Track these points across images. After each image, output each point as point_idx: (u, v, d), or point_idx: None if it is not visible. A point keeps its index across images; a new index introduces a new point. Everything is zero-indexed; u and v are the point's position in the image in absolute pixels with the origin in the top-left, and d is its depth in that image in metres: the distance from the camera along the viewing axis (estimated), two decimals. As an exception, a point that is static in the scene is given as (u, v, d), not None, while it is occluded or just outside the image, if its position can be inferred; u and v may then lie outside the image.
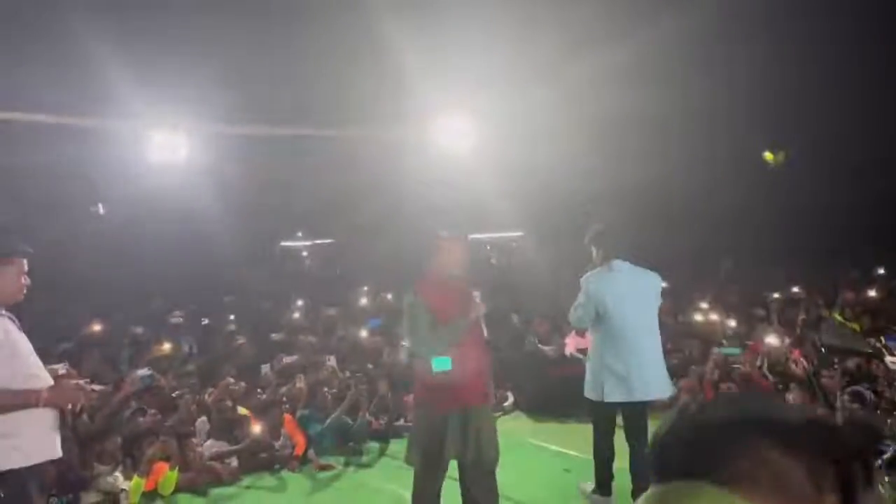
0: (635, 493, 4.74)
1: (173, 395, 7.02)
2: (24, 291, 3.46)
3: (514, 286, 14.70)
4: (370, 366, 8.32)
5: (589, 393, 4.99)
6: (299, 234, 25.60)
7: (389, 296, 13.73)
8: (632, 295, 4.90)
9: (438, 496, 4.21)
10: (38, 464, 3.31)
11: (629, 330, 4.86)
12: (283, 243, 23.68)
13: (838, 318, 7.26)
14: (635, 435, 4.92)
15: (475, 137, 10.10)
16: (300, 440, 6.71)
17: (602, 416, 5.02)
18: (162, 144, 8.24)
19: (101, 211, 25.65)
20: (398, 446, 7.03)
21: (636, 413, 4.94)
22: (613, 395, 4.84)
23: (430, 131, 10.16)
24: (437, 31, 12.03)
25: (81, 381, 3.64)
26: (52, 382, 3.41)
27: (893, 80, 13.90)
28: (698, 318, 10.01)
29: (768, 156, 22.75)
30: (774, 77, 13.80)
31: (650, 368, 4.88)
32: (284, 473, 6.43)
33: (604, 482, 5.06)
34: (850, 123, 15.55)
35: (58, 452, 3.43)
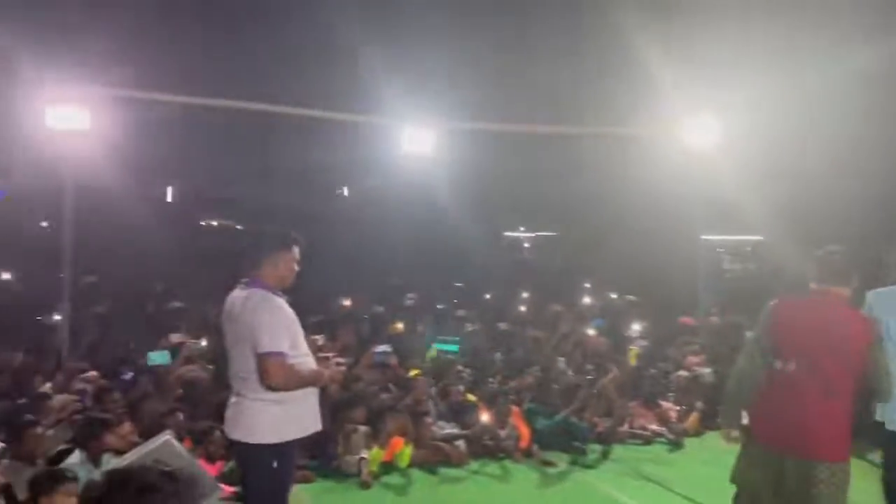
0: None
1: (408, 377, 7.41)
2: (293, 278, 3.78)
3: (750, 295, 13.64)
4: (594, 366, 8.19)
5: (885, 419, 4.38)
6: (521, 227, 26.07)
7: (614, 294, 13.45)
8: None
9: None
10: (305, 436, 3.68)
11: None
12: (507, 233, 24.36)
13: None
14: None
15: (719, 135, 9.57)
16: (525, 433, 6.81)
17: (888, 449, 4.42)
18: (412, 138, 8.83)
19: (346, 193, 28.05)
20: (622, 451, 6.92)
21: None
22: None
23: (673, 129, 9.79)
24: (683, 30, 11.51)
25: (335, 358, 4.05)
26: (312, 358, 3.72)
27: None
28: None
29: None
30: None
31: None
32: (508, 463, 6.56)
33: None
34: None
35: (320, 425, 3.79)
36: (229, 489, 5.06)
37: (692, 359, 8.54)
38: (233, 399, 3.64)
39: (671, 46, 10.51)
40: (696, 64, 10.90)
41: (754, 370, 3.63)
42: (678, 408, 7.68)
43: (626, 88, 11.20)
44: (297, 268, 3.79)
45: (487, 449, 6.66)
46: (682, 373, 8.14)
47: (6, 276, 13.68)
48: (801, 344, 3.49)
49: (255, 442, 3.48)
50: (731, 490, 3.79)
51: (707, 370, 8.13)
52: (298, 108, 9.38)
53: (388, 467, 6.21)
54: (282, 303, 3.63)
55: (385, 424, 6.32)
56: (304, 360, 3.65)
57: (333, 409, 6.14)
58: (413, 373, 7.39)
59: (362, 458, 5.99)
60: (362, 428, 6.20)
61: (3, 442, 5.28)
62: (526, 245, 26.02)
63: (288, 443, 3.54)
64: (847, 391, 3.48)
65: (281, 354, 3.43)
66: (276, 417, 3.50)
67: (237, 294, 3.66)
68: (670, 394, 7.98)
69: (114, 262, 14.25)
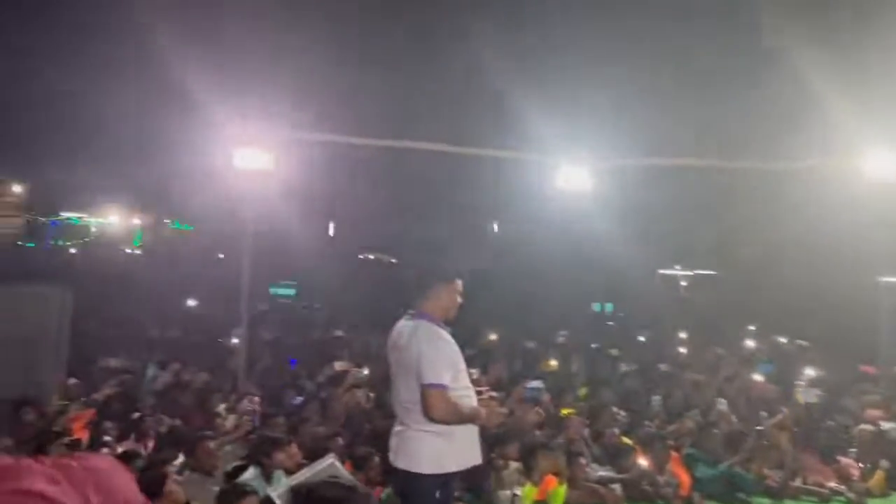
0: None
1: (562, 415, 7.32)
2: (457, 310, 3.87)
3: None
4: (764, 414, 7.68)
5: None
6: (677, 266, 25.01)
7: (783, 339, 12.58)
8: None
9: None
10: (465, 469, 3.72)
11: None
12: (661, 271, 23.38)
13: None
14: None
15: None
16: (685, 480, 6.49)
17: None
18: (567, 175, 8.84)
19: (495, 229, 28.39)
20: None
21: None
22: None
23: (850, 162, 9.09)
24: (860, 59, 10.74)
25: (489, 392, 4.02)
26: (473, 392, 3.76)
27: None
28: None
29: None
30: None
31: None
32: (667, 511, 6.26)
33: None
34: None
35: (479, 459, 3.83)
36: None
37: (874, 412, 7.77)
38: (397, 427, 3.73)
39: (843, 75, 9.84)
40: (874, 93, 10.11)
41: None
42: (860, 465, 7.00)
43: (796, 119, 10.58)
44: (460, 300, 3.87)
45: (645, 494, 6.41)
46: (865, 426, 7.41)
47: (192, 302, 15.07)
48: None
49: (418, 471, 3.56)
50: None
51: (893, 425, 7.36)
52: (456, 146, 9.71)
53: (541, 506, 6.13)
54: (447, 336, 3.70)
55: (538, 462, 6.25)
56: (466, 393, 3.70)
57: (487, 444, 6.16)
58: (566, 412, 7.28)
59: (515, 495, 5.95)
60: (514, 464, 6.18)
61: (183, 455, 5.80)
62: (682, 283, 24.93)
63: (449, 474, 3.60)
64: None
65: (443, 387, 3.49)
66: (438, 449, 3.55)
67: (403, 324, 3.78)
68: (851, 449, 7.28)
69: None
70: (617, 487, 6.38)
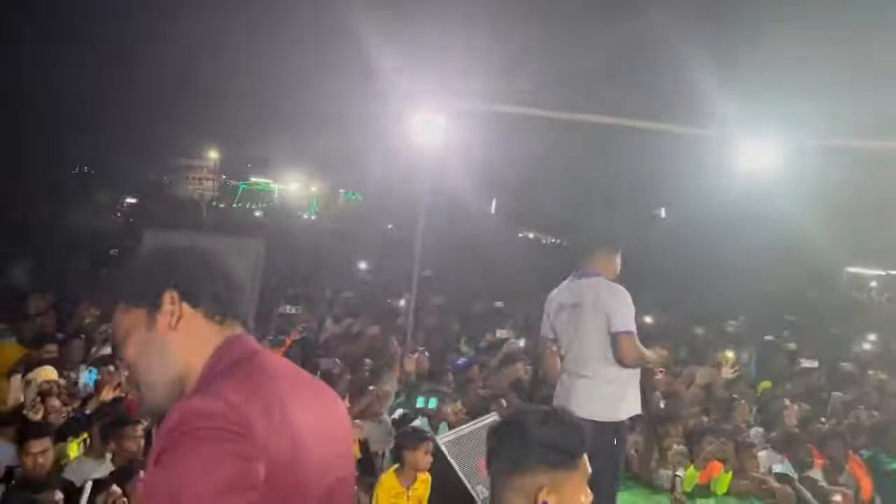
0: None
1: (732, 399, 7.02)
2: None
3: None
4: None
5: None
6: (869, 264, 22.83)
7: None
8: None
9: None
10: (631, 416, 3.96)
11: None
12: (851, 269, 21.42)
13: None
14: None
15: None
16: (867, 483, 6.00)
17: None
18: (751, 154, 8.32)
19: (663, 215, 27.34)
20: None
21: None
22: None
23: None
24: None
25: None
26: None
27: None
28: None
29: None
30: None
31: None
32: (844, 514, 5.83)
33: None
34: None
35: (639, 409, 4.01)
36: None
37: None
38: (568, 380, 3.93)
39: None
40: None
41: None
42: None
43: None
44: (618, 271, 4.03)
45: (820, 492, 6.00)
46: None
47: (364, 265, 15.95)
48: None
49: (595, 419, 3.66)
50: None
51: None
52: (626, 118, 9.38)
53: (702, 490, 5.94)
54: (625, 291, 3.88)
55: (703, 446, 6.05)
56: None
57: (652, 421, 6.07)
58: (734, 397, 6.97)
59: (677, 475, 5.82)
60: (679, 446, 6.03)
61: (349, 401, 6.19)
62: (873, 284, 22.70)
63: (622, 422, 3.81)
64: None
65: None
66: (613, 397, 3.78)
67: (572, 284, 4.00)
68: None
69: (447, 263, 15.77)
70: (791, 482, 6.04)
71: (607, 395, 3.76)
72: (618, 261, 4.04)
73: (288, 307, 9.24)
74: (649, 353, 3.86)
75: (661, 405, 6.57)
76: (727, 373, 6.88)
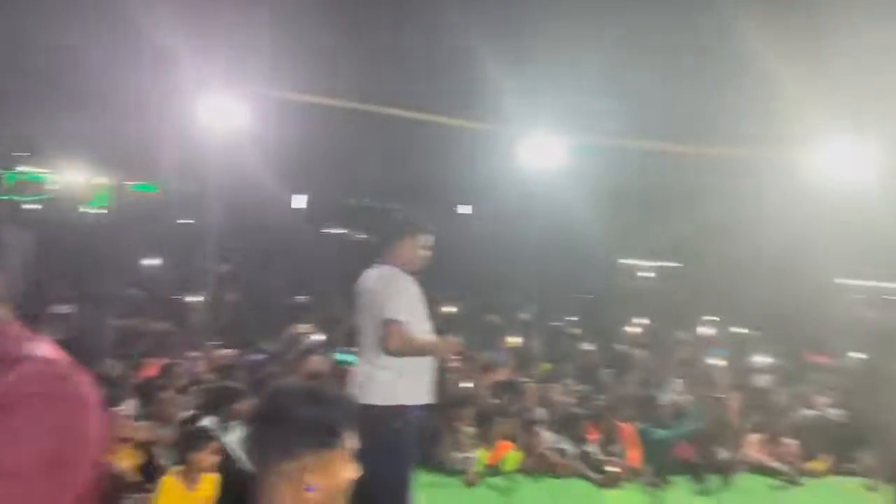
0: None
1: (520, 381, 7.43)
2: (425, 262, 4.12)
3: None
4: (718, 396, 7.86)
5: None
6: (642, 256, 25.30)
7: (741, 329, 12.90)
8: None
9: None
10: (418, 405, 3.95)
11: None
12: (623, 260, 23.71)
13: None
14: None
15: (872, 166, 8.91)
16: (635, 452, 6.63)
17: None
18: (534, 149, 8.88)
19: (466, 210, 28.37)
20: (742, 484, 6.60)
21: None
22: None
23: (815, 156, 9.24)
24: (830, 49, 10.90)
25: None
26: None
27: None
28: None
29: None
30: None
31: None
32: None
33: None
34: None
35: (433, 399, 4.08)
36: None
37: (821, 399, 8.04)
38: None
39: (813, 60, 9.96)
40: (839, 80, 10.26)
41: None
42: (801, 447, 7.22)
43: (761, 106, 10.71)
44: (425, 253, 4.05)
45: (596, 463, 6.53)
46: (810, 412, 7.67)
47: (155, 261, 14.91)
48: None
49: (372, 402, 3.72)
50: None
51: (837, 411, 7.62)
52: (422, 113, 9.58)
53: (492, 470, 6.22)
54: (409, 281, 3.94)
55: (492, 427, 6.34)
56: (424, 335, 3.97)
57: (443, 406, 6.23)
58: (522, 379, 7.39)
59: (468, 458, 6.05)
60: (469, 429, 6.26)
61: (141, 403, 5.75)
62: (647, 274, 25.28)
63: (404, 406, 3.82)
64: None
65: (399, 322, 3.74)
66: (389, 382, 3.81)
67: (370, 272, 4.04)
68: (794, 432, 7.51)
69: (244, 258, 15.19)
70: (569, 456, 6.50)
71: (382, 380, 3.81)
72: (416, 251, 4.07)
73: (60, 306, 8.39)
74: (421, 343, 3.87)
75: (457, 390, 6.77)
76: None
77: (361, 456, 3.97)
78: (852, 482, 6.56)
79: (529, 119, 9.23)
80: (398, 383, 3.83)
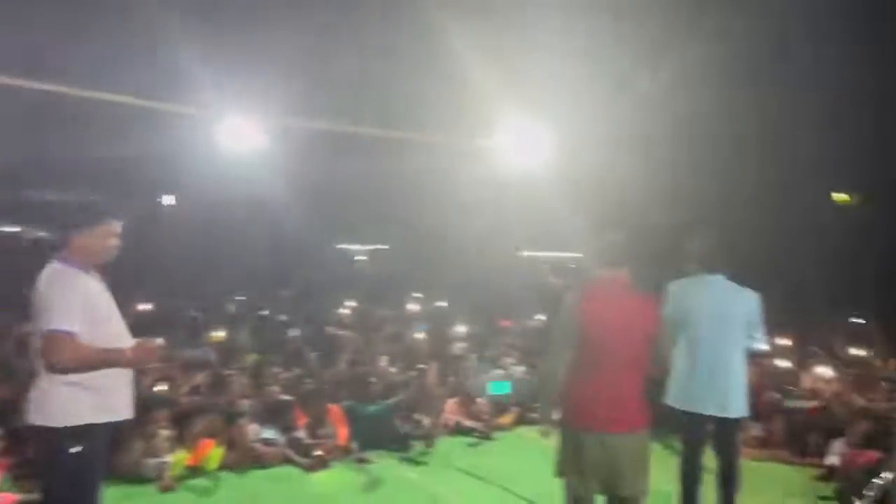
0: None
1: (225, 374, 7.13)
2: (114, 253, 3.51)
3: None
4: (422, 366, 8.30)
5: (672, 401, 4.84)
6: (354, 240, 25.98)
7: (444, 303, 13.80)
8: (719, 309, 4.73)
9: None
10: (113, 421, 3.39)
11: (710, 343, 4.71)
12: (340, 245, 24.11)
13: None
14: (722, 452, 4.84)
15: (546, 151, 9.95)
16: (343, 431, 6.73)
17: (688, 430, 4.88)
18: (233, 133, 8.43)
19: (168, 200, 26.50)
20: (440, 447, 7.03)
21: (725, 428, 4.80)
22: (695, 405, 4.72)
23: (500, 143, 10.08)
24: (509, 40, 11.99)
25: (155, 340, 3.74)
26: (132, 343, 3.45)
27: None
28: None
29: (840, 197, 22.13)
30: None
31: (729, 386, 4.72)
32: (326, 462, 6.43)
33: None
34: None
35: (130, 412, 3.52)
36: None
37: (507, 359, 8.91)
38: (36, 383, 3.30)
39: (501, 55, 10.88)
40: (526, 74, 11.33)
41: (561, 360, 3.75)
42: (491, 405, 7.92)
43: (452, 93, 11.44)
44: (112, 243, 3.49)
45: (305, 448, 6.50)
46: (498, 371, 8.46)
47: None
48: (602, 327, 3.66)
49: (47, 425, 3.20)
50: (545, 478, 3.91)
51: (521, 368, 8.51)
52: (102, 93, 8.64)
53: (195, 471, 5.88)
54: (84, 280, 3.35)
55: (193, 426, 5.99)
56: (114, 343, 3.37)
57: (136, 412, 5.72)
58: (227, 373, 7.09)
59: (164, 462, 5.64)
60: (165, 431, 5.84)
61: None
62: (359, 258, 26.01)
63: (90, 426, 3.25)
64: (644, 366, 3.73)
65: (63, 334, 3.16)
66: (72, 398, 3.23)
67: (42, 272, 3.35)
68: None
69: None
70: (277, 444, 6.39)
71: (61, 397, 3.22)
72: (101, 241, 3.46)
73: None
74: (95, 356, 3.27)
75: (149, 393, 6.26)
76: None
77: (41, 482, 3.41)
78: (532, 430, 7.37)
79: (229, 102, 8.75)
80: (82, 399, 3.24)
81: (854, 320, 11.82)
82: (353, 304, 12.97)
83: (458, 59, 10.60)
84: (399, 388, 7.50)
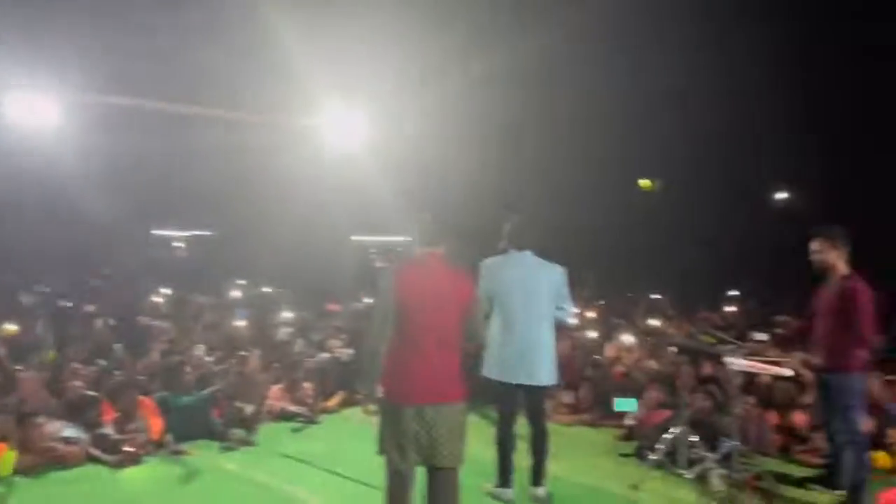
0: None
1: (13, 371, 6.47)
2: None
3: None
4: (243, 353, 8.01)
5: (486, 372, 5.05)
6: (172, 223, 24.47)
7: (268, 289, 13.42)
8: (528, 282, 5.00)
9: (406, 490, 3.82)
10: None
11: (521, 315, 4.96)
12: (156, 231, 22.53)
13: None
14: (532, 419, 5.10)
15: (366, 135, 9.95)
16: (156, 424, 6.35)
17: (502, 399, 5.09)
18: (25, 108, 7.63)
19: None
20: (263, 434, 6.84)
21: (534, 396, 5.07)
22: (507, 376, 4.94)
23: (321, 124, 9.91)
24: (332, 26, 11.87)
25: None
26: None
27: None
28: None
29: (644, 183, 24.24)
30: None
31: (538, 355, 4.99)
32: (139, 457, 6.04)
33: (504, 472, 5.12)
34: (714, 157, 16.85)
35: None
36: None
37: (334, 342, 8.85)
38: None
39: (322, 39, 10.70)
40: (347, 61, 11.24)
41: (382, 338, 3.76)
42: (318, 388, 7.84)
43: (279, 78, 11.13)
44: None
45: (112, 444, 6.05)
46: (324, 355, 8.38)
47: None
48: (417, 302, 3.74)
49: None
50: (371, 458, 3.91)
51: (348, 351, 8.48)
52: None
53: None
54: None
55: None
56: None
57: None
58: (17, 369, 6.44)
59: (-54, 471, 5.02)
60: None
61: None
62: (178, 244, 24.54)
63: None
64: (459, 339, 3.86)
65: None
66: None
67: None
68: (312, 376, 8.11)
69: None
70: (80, 443, 5.90)
71: None
72: None
73: None
74: None
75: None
76: None
77: None
78: (359, 412, 7.36)
79: (17, 75, 7.87)
80: None
81: (653, 295, 13.00)
82: (168, 292, 12.25)
83: (280, 41, 10.33)
84: (217, 377, 7.20)
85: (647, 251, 17.44)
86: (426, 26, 11.42)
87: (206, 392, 6.75)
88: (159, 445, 6.23)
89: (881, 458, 5.75)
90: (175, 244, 24.48)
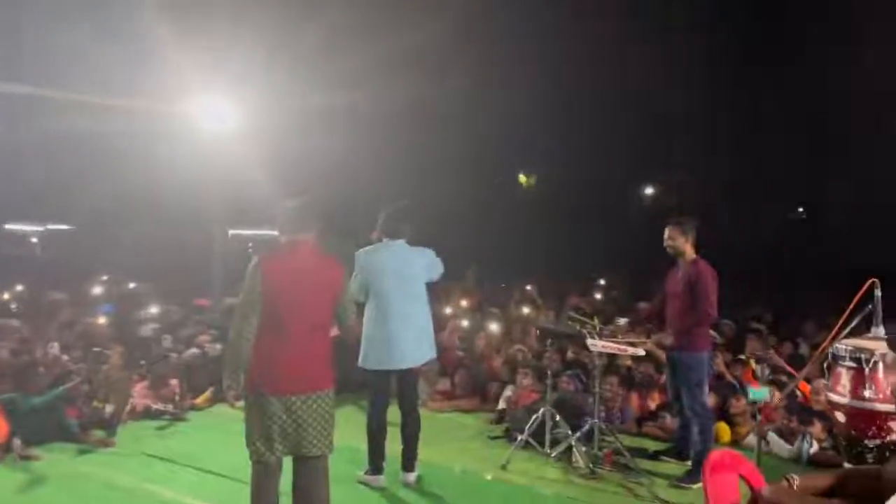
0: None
1: None
2: None
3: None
4: (105, 351, 7.56)
5: (362, 362, 5.05)
6: (26, 217, 22.71)
7: (133, 284, 12.76)
8: (401, 268, 5.05)
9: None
10: None
11: (394, 297, 5.01)
12: (8, 226, 20.81)
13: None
14: (403, 404, 5.16)
15: (239, 124, 9.65)
16: (2, 427, 5.89)
17: (374, 386, 5.10)
18: None
19: None
20: (126, 433, 6.51)
21: (405, 382, 5.14)
22: (381, 362, 4.97)
23: (189, 111, 9.52)
24: (204, 11, 11.46)
25: None
26: None
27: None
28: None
29: (522, 178, 25.05)
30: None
31: (413, 336, 5.03)
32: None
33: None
34: (585, 150, 17.67)
35: None
36: None
37: (203, 337, 8.55)
38: None
39: (189, 24, 10.31)
40: (216, 48, 10.88)
41: (249, 328, 3.67)
42: (187, 384, 7.55)
43: (143, 61, 10.59)
44: None
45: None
46: (193, 351, 8.08)
47: None
48: (284, 290, 3.69)
49: None
50: (240, 453, 3.82)
51: (217, 346, 8.22)
52: None
53: None
54: None
55: None
56: None
57: None
58: None
59: None
60: None
61: None
62: (34, 240, 22.81)
63: None
64: (327, 327, 3.86)
65: None
66: None
67: None
68: (179, 372, 7.80)
69: None
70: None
71: None
72: None
73: None
74: None
75: None
76: None
77: None
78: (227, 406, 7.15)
79: None
80: None
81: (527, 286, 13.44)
82: (20, 288, 11.38)
83: (147, 21, 9.88)
84: (73, 375, 6.76)
85: (524, 244, 18.03)
86: (301, 13, 11.25)
87: (58, 390, 6.32)
88: (5, 450, 5.78)
89: (723, 430, 6.23)
90: (31, 239, 22.74)
